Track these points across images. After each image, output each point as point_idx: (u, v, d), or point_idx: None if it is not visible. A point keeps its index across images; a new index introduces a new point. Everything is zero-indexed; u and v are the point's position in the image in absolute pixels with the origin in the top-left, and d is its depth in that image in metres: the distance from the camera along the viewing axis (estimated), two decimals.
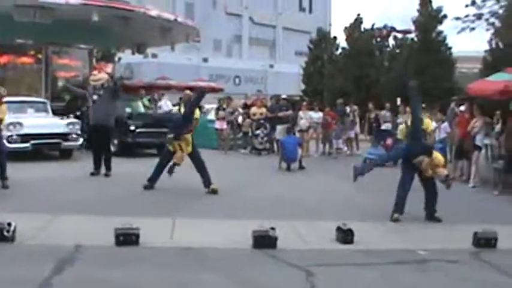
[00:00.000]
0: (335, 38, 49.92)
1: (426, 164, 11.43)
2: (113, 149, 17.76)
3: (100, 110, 16.07)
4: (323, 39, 49.53)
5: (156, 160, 14.62)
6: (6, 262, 8.04)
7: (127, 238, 8.85)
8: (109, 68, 17.30)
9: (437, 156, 11.70)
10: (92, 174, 15.95)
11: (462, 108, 19.94)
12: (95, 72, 16.71)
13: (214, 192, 13.74)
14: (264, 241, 8.97)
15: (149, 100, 26.02)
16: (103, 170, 16.11)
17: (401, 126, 14.66)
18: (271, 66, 63.72)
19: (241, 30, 67.94)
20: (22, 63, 28.10)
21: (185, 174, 14.10)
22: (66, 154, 19.48)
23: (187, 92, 15.01)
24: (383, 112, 24.15)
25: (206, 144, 20.60)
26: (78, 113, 20.88)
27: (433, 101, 16.85)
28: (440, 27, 40.88)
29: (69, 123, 19.04)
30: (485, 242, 9.79)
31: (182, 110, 14.27)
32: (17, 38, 26.79)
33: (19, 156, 17.17)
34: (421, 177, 11.79)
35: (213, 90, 35.46)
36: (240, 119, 24.99)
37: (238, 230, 9.79)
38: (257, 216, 10.86)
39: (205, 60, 56.08)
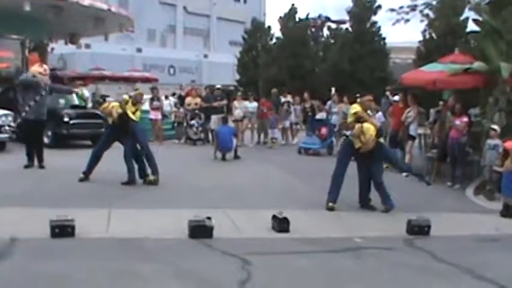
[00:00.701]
0: (269, 27, 50.20)
1: (357, 128, 11.58)
2: (46, 140, 17.58)
3: (34, 106, 15.85)
4: (257, 29, 49.72)
5: (89, 152, 14.53)
6: None
7: (62, 230, 8.81)
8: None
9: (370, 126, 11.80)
10: (26, 166, 15.77)
11: (396, 98, 20.26)
12: (45, 67, 16.44)
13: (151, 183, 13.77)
14: (200, 231, 9.04)
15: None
16: (37, 162, 15.93)
17: None
18: (206, 56, 63.80)
19: (175, 20, 67.73)
20: None
21: (120, 165, 14.05)
22: None
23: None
24: (329, 102, 24.15)
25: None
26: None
27: (367, 91, 17.07)
28: (374, 18, 41.46)
29: (1, 115, 18.75)
30: (418, 229, 10.08)
31: None
32: None
33: None
34: (359, 165, 11.99)
35: (148, 80, 35.39)
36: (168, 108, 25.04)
37: (174, 219, 9.86)
38: (193, 205, 10.95)
39: (139, 50, 55.88)
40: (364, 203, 11.91)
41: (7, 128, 18.69)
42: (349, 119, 12.32)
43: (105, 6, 28.88)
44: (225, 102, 24.06)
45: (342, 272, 7.86)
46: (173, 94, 28.71)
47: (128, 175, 13.64)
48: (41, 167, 15.84)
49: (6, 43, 29.18)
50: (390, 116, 19.23)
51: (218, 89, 25.33)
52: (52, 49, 34.93)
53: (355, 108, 12.33)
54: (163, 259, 8.00)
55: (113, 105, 14.28)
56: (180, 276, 7.37)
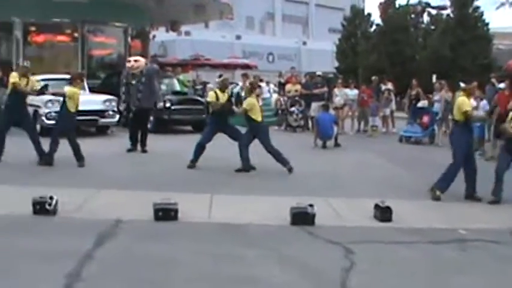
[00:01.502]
0: (369, 14, 49.63)
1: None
2: (148, 125, 17.87)
3: (141, 93, 16.16)
4: (357, 16, 49.24)
5: (192, 137, 14.67)
6: (48, 235, 8.22)
7: (166, 213, 8.93)
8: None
9: None
10: (129, 150, 16.08)
11: (502, 85, 19.64)
12: (132, 61, 16.75)
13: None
14: (302, 218, 8.97)
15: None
16: (139, 146, 16.22)
17: None
18: (305, 43, 63.56)
19: (274, 7, 67.73)
20: (58, 42, 28.30)
21: (223, 151, 14.15)
22: (102, 131, 19.63)
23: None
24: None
25: (240, 123, 20.66)
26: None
27: (469, 78, 16.56)
28: (476, 3, 40.37)
29: (105, 100, 19.21)
30: None
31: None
32: (54, 17, 27.02)
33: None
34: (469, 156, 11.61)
35: (247, 67, 35.51)
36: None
37: (276, 206, 9.81)
38: (294, 193, 10.89)
39: (238, 37, 56.07)
40: (470, 194, 11.56)
41: (111, 112, 19.15)
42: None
43: None
44: (325, 89, 23.94)
45: (447, 264, 7.65)
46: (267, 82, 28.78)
47: (242, 163, 13.65)
48: (144, 151, 16.13)
49: (109, 31, 29.85)
50: (496, 104, 18.65)
51: (318, 76, 25.20)
52: (154, 36, 35.48)
53: (464, 104, 11.69)
54: (266, 245, 7.98)
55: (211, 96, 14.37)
56: (283, 262, 7.33)
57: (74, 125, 14.24)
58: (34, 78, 14.65)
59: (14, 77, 14.07)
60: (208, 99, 14.73)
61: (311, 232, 8.64)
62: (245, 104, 13.97)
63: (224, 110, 14.03)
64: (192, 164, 13.86)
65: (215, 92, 14.20)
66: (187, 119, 21.50)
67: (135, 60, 16.66)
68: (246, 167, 13.56)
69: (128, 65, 16.71)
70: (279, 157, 13.66)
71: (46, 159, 13.62)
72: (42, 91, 14.03)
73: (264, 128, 14.16)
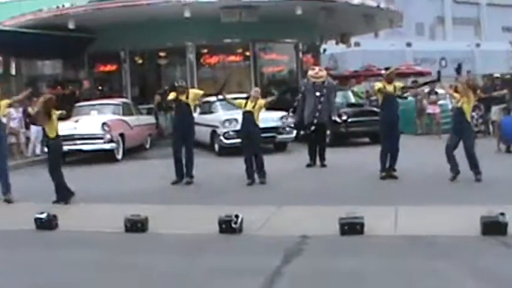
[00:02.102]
0: None
1: None
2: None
3: (319, 108, 16.19)
4: None
5: (369, 149, 14.52)
6: (235, 252, 8.42)
7: (351, 227, 8.84)
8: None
9: None
10: (308, 166, 16.15)
11: None
12: (316, 69, 16.82)
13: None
14: (494, 227, 8.56)
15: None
16: (318, 161, 16.25)
17: None
18: (478, 45, 61.66)
19: (443, 11, 66.31)
20: (230, 62, 28.94)
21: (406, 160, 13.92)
22: (280, 147, 19.85)
23: None
24: None
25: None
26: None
27: None
28: None
29: (282, 117, 19.43)
30: None
31: None
32: (224, 39, 27.71)
33: (232, 151, 17.77)
34: None
35: (421, 74, 34.91)
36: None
37: (465, 216, 9.44)
38: (482, 201, 10.50)
39: (408, 44, 55.24)
40: None
41: (288, 129, 19.36)
42: None
43: (374, 3, 28.84)
44: (505, 91, 23.09)
45: None
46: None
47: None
48: (323, 165, 16.14)
49: (280, 47, 30.20)
50: None
51: (497, 77, 24.38)
52: (324, 50, 35.55)
53: None
54: (457, 257, 7.72)
55: None
56: (477, 274, 7.04)
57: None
58: (195, 91, 15.12)
59: (172, 95, 14.81)
60: (376, 87, 14.36)
61: (504, 242, 8.24)
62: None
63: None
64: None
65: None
66: (364, 130, 21.37)
67: (320, 69, 16.74)
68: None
69: (311, 72, 16.71)
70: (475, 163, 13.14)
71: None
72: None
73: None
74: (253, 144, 14.09)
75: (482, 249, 8.06)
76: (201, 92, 15.29)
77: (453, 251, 8.02)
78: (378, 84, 14.08)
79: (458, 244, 8.32)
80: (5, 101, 13.36)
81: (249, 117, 14.04)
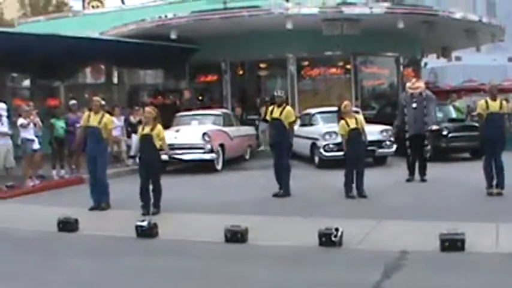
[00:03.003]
0: None
1: None
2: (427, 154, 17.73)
3: (417, 119, 16.07)
4: None
5: (470, 164, 14.30)
6: (335, 266, 8.45)
7: (452, 243, 8.74)
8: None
9: None
10: (408, 180, 16.03)
11: None
12: (413, 80, 16.72)
13: None
14: None
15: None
16: (417, 176, 16.10)
17: None
18: None
19: None
20: (331, 74, 28.99)
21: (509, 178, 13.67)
22: (380, 161, 19.76)
23: None
24: None
25: None
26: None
27: None
28: None
29: (382, 130, 19.36)
30: None
31: None
32: (325, 51, 27.79)
33: (331, 164, 17.77)
34: None
35: None
36: None
37: None
38: None
39: (510, 59, 54.18)
40: None
41: (388, 143, 19.26)
42: None
43: (476, 18, 28.47)
44: None
45: None
46: None
47: None
48: (423, 180, 15.98)
49: (381, 61, 30.09)
50: None
51: None
52: (425, 64, 35.22)
53: None
54: None
55: None
56: None
57: None
58: (290, 111, 15.02)
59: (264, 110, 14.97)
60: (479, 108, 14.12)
61: None
62: None
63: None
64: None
65: (486, 101, 13.72)
66: (465, 146, 21.10)
67: (417, 80, 16.63)
68: None
69: (409, 84, 16.65)
70: None
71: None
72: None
73: None
74: (358, 160, 14.09)
75: None
76: (293, 118, 15.11)
77: None
78: (481, 105, 13.80)
79: None
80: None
81: (356, 135, 14.08)
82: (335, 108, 15.87)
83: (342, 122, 14.23)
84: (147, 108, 13.44)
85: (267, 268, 8.36)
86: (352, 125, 14.03)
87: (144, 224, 10.39)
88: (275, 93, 15.58)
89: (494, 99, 13.66)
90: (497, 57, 52.14)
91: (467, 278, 7.64)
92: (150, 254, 9.39)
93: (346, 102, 14.55)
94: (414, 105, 16.06)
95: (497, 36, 32.33)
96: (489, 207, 12.34)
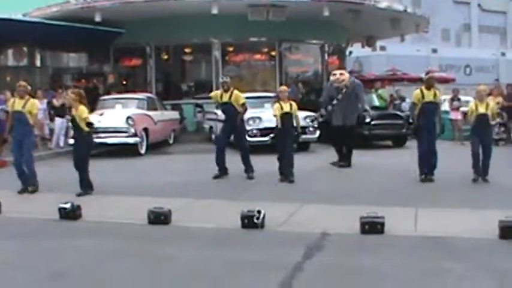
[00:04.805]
0: None
1: None
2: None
3: (343, 111, 16.27)
4: None
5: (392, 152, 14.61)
6: (257, 247, 8.53)
7: (372, 226, 8.94)
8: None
9: None
10: (341, 166, 16.19)
11: None
12: (337, 73, 16.83)
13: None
14: (511, 231, 8.64)
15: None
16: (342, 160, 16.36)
17: None
18: (503, 54, 61.41)
19: (469, 18, 66.09)
20: (255, 61, 29.08)
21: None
22: (304, 147, 19.92)
23: None
24: None
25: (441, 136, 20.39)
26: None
27: None
28: None
29: (306, 117, 19.51)
30: None
31: None
32: (251, 37, 27.85)
33: (258, 148, 17.80)
34: None
35: (445, 81, 34.87)
36: None
37: (484, 220, 9.56)
38: (501, 205, 10.55)
39: (434, 50, 55.08)
40: None
41: (311, 129, 19.44)
42: None
43: (401, 7, 28.88)
44: None
45: None
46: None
47: None
48: (346, 165, 16.21)
49: (306, 48, 30.30)
50: None
51: None
52: (350, 53, 35.60)
53: None
54: (474, 258, 7.80)
55: None
56: (493, 276, 7.12)
57: None
58: (238, 93, 15.14)
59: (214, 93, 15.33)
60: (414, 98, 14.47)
61: None
62: None
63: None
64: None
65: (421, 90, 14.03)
66: (388, 133, 21.48)
67: (341, 74, 16.75)
68: None
69: (333, 78, 16.81)
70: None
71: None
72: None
73: None
74: (286, 143, 14.26)
75: (499, 252, 8.14)
76: (243, 100, 15.15)
77: (470, 252, 8.11)
78: (417, 94, 14.09)
79: (476, 246, 8.42)
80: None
81: (288, 119, 14.23)
82: (259, 94, 15.97)
83: (277, 104, 14.43)
84: (69, 92, 13.28)
85: (189, 249, 8.39)
86: (286, 109, 14.17)
87: (67, 206, 10.27)
88: (220, 79, 15.80)
89: (429, 88, 13.94)
90: (421, 48, 52.85)
91: (385, 259, 7.82)
92: (72, 236, 9.28)
93: (282, 88, 14.95)
94: (340, 97, 16.23)
95: (421, 27, 32.88)
96: (409, 192, 12.64)
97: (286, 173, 13.97)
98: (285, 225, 9.62)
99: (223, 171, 14.76)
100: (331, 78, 16.99)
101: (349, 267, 7.53)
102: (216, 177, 14.57)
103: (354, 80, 16.92)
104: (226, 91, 14.92)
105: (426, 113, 13.86)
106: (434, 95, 13.84)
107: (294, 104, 14.43)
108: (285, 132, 14.30)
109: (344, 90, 16.18)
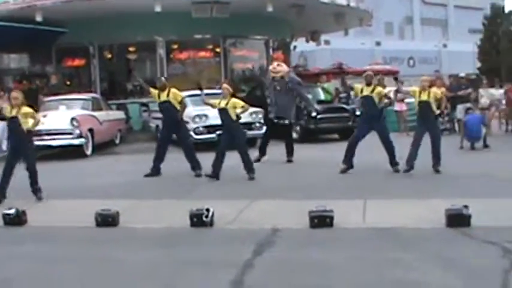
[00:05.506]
0: (510, 12, 48.43)
1: None
2: (295, 135, 17.98)
3: (277, 102, 16.31)
4: (497, 14, 48.11)
5: (339, 145, 14.72)
6: (207, 245, 8.46)
7: (321, 220, 8.97)
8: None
9: None
10: (256, 160, 16.07)
11: None
12: (275, 64, 16.86)
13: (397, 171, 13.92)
14: (458, 219, 8.79)
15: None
16: (286, 156, 16.36)
17: None
18: (445, 45, 62.34)
19: (412, 11, 66.97)
20: (201, 58, 28.98)
21: (371, 155, 14.11)
22: (251, 143, 19.85)
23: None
24: None
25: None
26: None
27: None
28: None
29: (252, 113, 19.46)
30: None
31: None
32: (195, 34, 27.74)
33: (206, 146, 17.70)
34: None
35: (390, 73, 35.18)
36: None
37: (431, 209, 9.72)
38: (447, 195, 10.78)
39: (378, 43, 55.68)
40: None
41: (258, 124, 19.41)
42: None
43: (344, 2, 29.03)
44: (470, 90, 23.38)
45: None
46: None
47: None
48: (289, 161, 16.24)
49: (251, 43, 30.30)
50: None
51: (462, 77, 24.70)
52: (294, 47, 35.68)
53: None
54: (423, 248, 7.91)
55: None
56: (442, 264, 7.22)
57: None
58: (175, 91, 15.12)
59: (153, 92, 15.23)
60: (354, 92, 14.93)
61: (467, 233, 8.47)
62: None
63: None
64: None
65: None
66: (334, 127, 21.60)
67: (278, 64, 16.76)
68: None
69: (270, 67, 16.87)
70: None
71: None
72: None
73: None
74: (233, 141, 14.20)
75: (446, 240, 8.26)
76: (181, 97, 15.15)
77: (419, 242, 8.21)
78: (356, 88, 14.76)
79: (424, 235, 8.54)
80: None
81: (225, 114, 14.14)
82: (206, 91, 15.90)
83: (213, 100, 14.52)
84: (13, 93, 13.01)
85: (138, 250, 8.29)
86: (222, 105, 14.13)
87: (12, 211, 10.07)
88: (161, 79, 15.86)
89: (368, 84, 14.37)
90: (365, 41, 53.41)
91: (335, 252, 7.87)
92: (18, 242, 9.08)
93: (224, 85, 14.89)
94: (278, 87, 16.27)
95: (365, 21, 33.21)
96: (358, 184, 12.75)
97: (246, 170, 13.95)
98: (235, 223, 9.60)
99: (155, 171, 14.73)
100: (270, 68, 17.12)
101: (299, 261, 7.53)
102: (147, 175, 14.57)
103: (291, 75, 16.92)
104: (163, 90, 14.84)
105: (364, 105, 14.46)
106: (373, 90, 14.17)
107: (234, 99, 14.38)
108: (224, 127, 14.41)
109: (279, 82, 16.24)
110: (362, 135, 14.28)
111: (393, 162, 14.10)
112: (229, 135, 14.15)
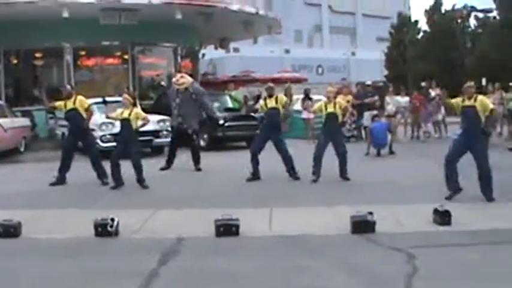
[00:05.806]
0: (416, 22, 49.62)
1: None
2: (203, 143, 18.01)
3: (180, 112, 16.40)
4: (404, 23, 49.26)
5: (246, 153, 14.86)
6: (111, 255, 8.40)
7: (227, 229, 9.00)
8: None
9: None
10: (161, 169, 16.29)
11: None
12: (178, 76, 16.95)
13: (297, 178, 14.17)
14: (363, 226, 8.97)
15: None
16: (193, 165, 16.40)
17: None
18: (353, 53, 63.33)
19: (321, 20, 67.84)
20: (108, 65, 28.76)
21: (275, 163, 14.27)
22: (157, 151, 19.84)
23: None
24: None
25: (294, 135, 20.92)
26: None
27: None
28: None
29: (159, 120, 19.43)
30: None
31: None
32: (103, 41, 27.51)
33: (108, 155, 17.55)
34: None
35: (298, 81, 35.63)
36: None
37: (335, 216, 9.89)
38: (353, 201, 10.99)
39: (287, 51, 56.14)
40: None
41: (165, 132, 19.38)
42: None
43: (253, 10, 29.25)
44: (376, 98, 23.86)
45: (511, 266, 7.60)
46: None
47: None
48: (198, 169, 16.27)
49: (159, 51, 30.22)
50: None
51: (368, 85, 25.19)
52: (203, 55, 35.74)
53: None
54: (329, 254, 8.03)
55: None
56: (347, 270, 7.36)
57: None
58: (82, 98, 14.93)
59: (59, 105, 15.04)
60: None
61: (372, 239, 8.66)
62: None
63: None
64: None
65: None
66: (241, 135, 21.68)
67: (181, 76, 16.82)
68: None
69: (174, 80, 16.96)
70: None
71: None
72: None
73: None
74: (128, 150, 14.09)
75: (352, 247, 8.43)
76: (87, 104, 14.91)
77: (325, 249, 8.34)
78: (319, 106, 14.98)
79: (330, 242, 8.68)
80: None
81: (127, 124, 14.07)
82: (113, 99, 15.82)
83: (117, 112, 14.47)
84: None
85: (41, 261, 8.11)
86: (124, 115, 14.09)
87: None
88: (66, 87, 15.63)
89: (270, 96, 14.72)
90: (274, 49, 53.72)
91: (241, 260, 7.91)
92: None
93: (124, 95, 14.74)
94: (178, 100, 16.43)
95: (274, 29, 33.47)
96: (264, 192, 12.84)
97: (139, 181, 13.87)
98: (140, 232, 9.53)
99: (60, 180, 14.52)
100: (173, 80, 17.21)
101: (205, 270, 7.54)
102: (52, 184, 14.36)
103: (195, 86, 17.01)
104: (69, 98, 14.69)
105: (267, 117, 14.80)
106: (334, 105, 14.32)
107: (135, 109, 14.31)
108: (122, 139, 14.34)
109: (182, 93, 16.35)
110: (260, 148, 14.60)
111: (291, 172, 14.36)
112: (124, 146, 14.08)
